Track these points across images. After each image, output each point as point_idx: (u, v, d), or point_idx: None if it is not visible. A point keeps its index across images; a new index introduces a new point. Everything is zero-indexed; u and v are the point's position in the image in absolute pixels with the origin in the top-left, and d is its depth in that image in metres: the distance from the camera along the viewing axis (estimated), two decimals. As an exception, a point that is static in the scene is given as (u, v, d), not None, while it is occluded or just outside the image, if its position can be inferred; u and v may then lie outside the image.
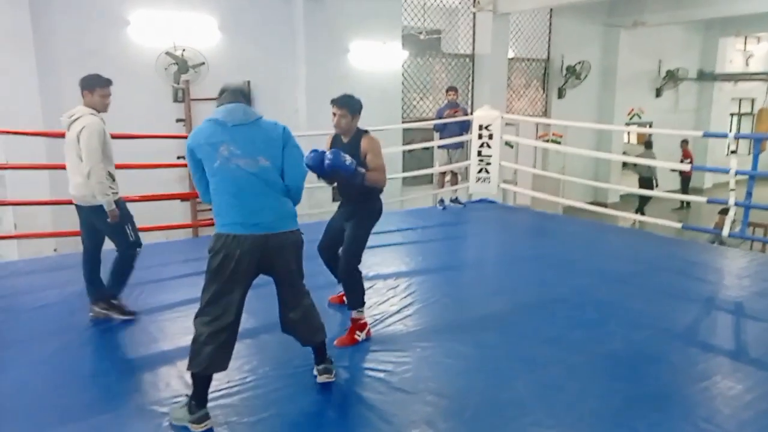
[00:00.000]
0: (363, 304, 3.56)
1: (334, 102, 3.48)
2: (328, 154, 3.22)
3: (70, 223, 6.30)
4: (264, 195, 2.62)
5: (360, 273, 3.57)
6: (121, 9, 7.47)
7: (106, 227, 3.82)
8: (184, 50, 7.80)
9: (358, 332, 3.52)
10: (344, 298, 3.70)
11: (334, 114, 3.48)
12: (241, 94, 2.73)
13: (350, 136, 3.53)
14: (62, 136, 3.84)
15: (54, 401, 2.96)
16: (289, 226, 2.72)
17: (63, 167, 3.91)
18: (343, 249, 3.55)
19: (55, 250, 6.56)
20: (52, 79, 7.04)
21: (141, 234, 4.07)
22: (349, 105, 3.47)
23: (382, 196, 3.68)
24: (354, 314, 3.55)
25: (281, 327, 2.93)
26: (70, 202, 3.97)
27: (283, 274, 2.77)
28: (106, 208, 3.70)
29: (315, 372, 3.05)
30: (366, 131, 3.54)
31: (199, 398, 2.65)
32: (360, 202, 3.57)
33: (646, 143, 13.08)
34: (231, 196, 2.59)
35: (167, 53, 7.71)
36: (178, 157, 7.86)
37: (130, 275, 4.01)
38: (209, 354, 2.59)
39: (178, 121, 8.02)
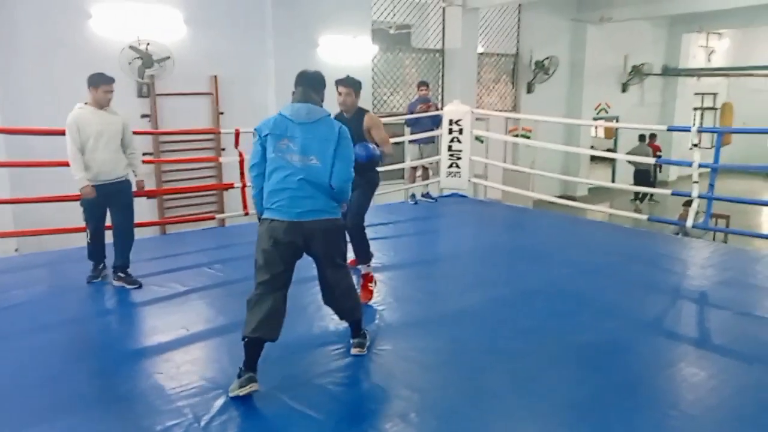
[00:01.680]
0: (370, 258, 4.20)
1: (340, 82, 3.93)
2: (362, 150, 3.69)
3: (31, 222, 6.18)
4: (306, 190, 2.91)
5: (365, 232, 4.14)
6: (83, 0, 7.26)
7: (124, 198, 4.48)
8: (148, 44, 7.61)
9: (370, 284, 4.11)
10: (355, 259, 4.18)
11: (340, 93, 3.95)
12: (313, 90, 3.05)
13: (352, 113, 3.99)
14: (20, 132, 4.16)
15: (22, 402, 2.87)
16: (324, 216, 2.98)
17: (22, 165, 4.10)
18: (350, 213, 3.91)
19: (16, 250, 6.36)
20: (12, 74, 6.81)
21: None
22: (353, 84, 3.95)
23: None
24: (363, 269, 4.14)
25: (323, 300, 3.24)
26: (30, 201, 4.06)
27: (319, 256, 3.06)
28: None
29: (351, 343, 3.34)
30: (366, 110, 4.06)
31: (246, 364, 2.87)
32: (362, 175, 3.82)
33: (641, 136, 13.37)
34: (279, 184, 2.90)
35: (131, 47, 7.52)
36: (144, 154, 7.72)
37: (88, 248, 4.48)
38: (258, 320, 2.85)
39: (143, 116, 7.84)
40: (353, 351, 3.30)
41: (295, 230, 2.91)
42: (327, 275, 3.11)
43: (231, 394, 2.84)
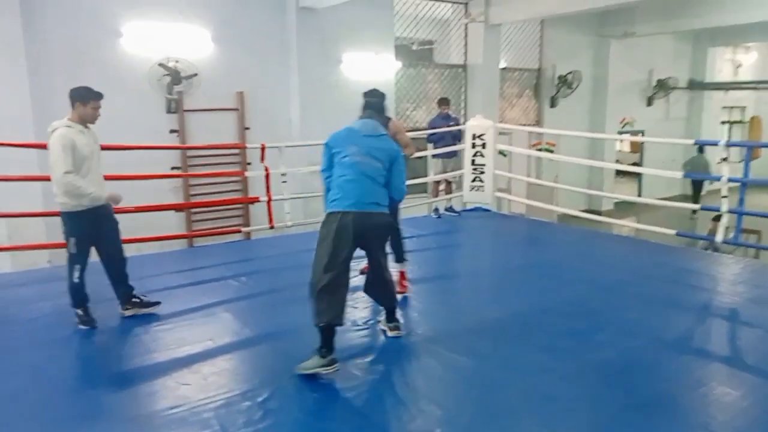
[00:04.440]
0: (403, 258, 4.46)
1: (366, 95, 4.03)
2: None
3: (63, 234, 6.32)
4: (373, 186, 3.37)
5: (401, 233, 4.43)
6: (114, 20, 7.47)
7: (64, 231, 3.95)
8: (177, 61, 7.80)
9: (404, 281, 4.45)
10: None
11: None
12: (377, 111, 3.65)
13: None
14: None
15: (46, 413, 2.93)
16: (385, 210, 3.43)
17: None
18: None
19: (48, 261, 6.50)
20: (45, 90, 7.01)
21: (136, 245, 4.14)
22: (374, 98, 4.07)
23: None
24: (400, 267, 4.43)
25: (363, 288, 3.69)
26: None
27: (373, 247, 3.46)
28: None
29: (385, 327, 3.75)
30: (389, 117, 4.26)
31: (327, 346, 3.18)
32: None
33: (699, 147, 13.27)
34: (350, 182, 3.32)
35: (160, 64, 7.71)
36: (172, 168, 7.88)
37: (73, 288, 3.96)
38: (328, 305, 3.15)
39: (171, 132, 8.01)
40: (390, 333, 3.70)
41: (360, 220, 3.27)
42: (371, 265, 3.51)
43: (308, 372, 3.13)
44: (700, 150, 13.49)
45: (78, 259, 3.93)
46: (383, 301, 3.74)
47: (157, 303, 4.26)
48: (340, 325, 3.24)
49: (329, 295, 3.18)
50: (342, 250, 3.23)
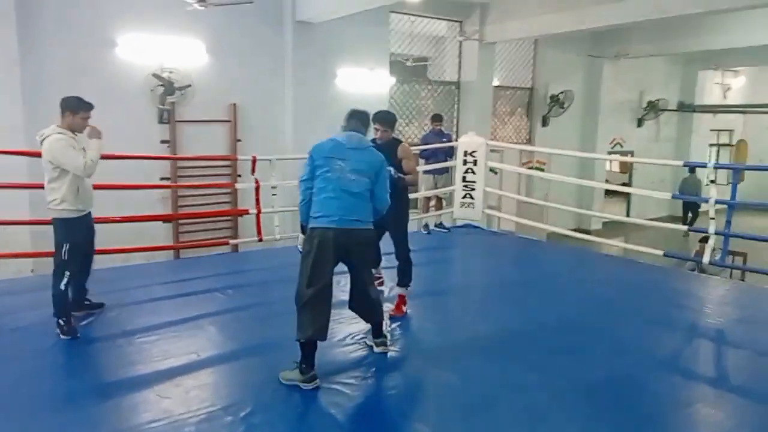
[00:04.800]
0: (408, 283, 4.47)
1: (376, 119, 4.12)
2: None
3: (49, 243, 6.25)
4: (355, 203, 3.32)
5: (410, 258, 4.43)
6: (109, 30, 7.47)
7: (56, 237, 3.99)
8: (171, 72, 7.81)
9: (403, 306, 4.43)
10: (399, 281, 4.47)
11: (377, 129, 4.16)
12: (362, 125, 3.57)
13: (386, 142, 4.20)
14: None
15: (27, 425, 2.87)
16: (368, 226, 3.41)
17: (43, 186, 3.94)
18: (397, 242, 4.35)
19: (32, 270, 6.43)
20: (38, 97, 6.98)
21: (123, 255, 4.16)
22: (388, 121, 4.25)
23: None
24: (402, 291, 4.45)
25: (348, 304, 3.62)
26: (49, 222, 3.99)
27: (355, 263, 3.44)
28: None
29: (371, 343, 3.71)
30: (400, 141, 4.40)
31: (308, 362, 3.20)
32: (397, 195, 4.02)
33: (691, 168, 13.47)
34: (332, 199, 3.28)
35: (154, 75, 7.71)
36: (161, 179, 7.84)
37: (61, 295, 3.95)
38: (309, 321, 3.17)
39: (162, 142, 7.99)
40: (378, 349, 3.67)
41: (343, 236, 3.26)
42: (356, 281, 3.49)
43: (288, 383, 3.18)
44: (692, 171, 13.65)
45: (68, 266, 3.93)
46: (368, 317, 3.70)
47: (101, 305, 4.37)
48: (323, 340, 3.24)
49: (312, 311, 3.19)
50: (324, 266, 3.23)
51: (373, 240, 3.60)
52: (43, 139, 3.87)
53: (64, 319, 3.93)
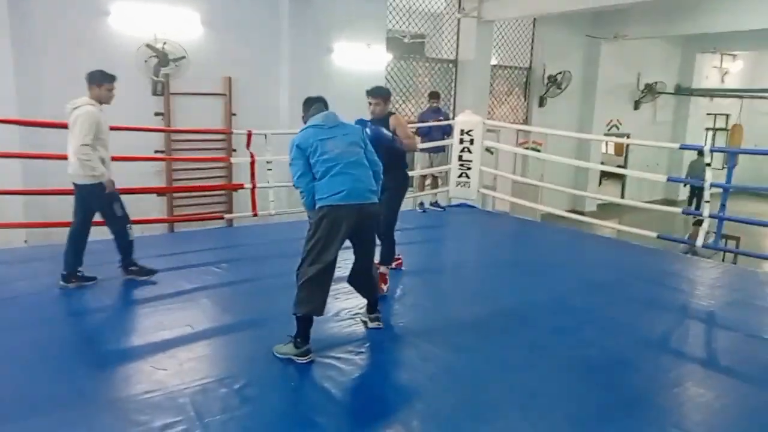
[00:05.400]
0: (391, 262, 4.46)
1: (369, 93, 4.26)
2: (369, 129, 3.96)
3: (41, 214, 6.21)
4: (361, 173, 3.35)
5: (393, 236, 4.40)
6: (101, -1, 7.33)
7: (96, 205, 4.28)
8: (165, 43, 7.67)
9: (383, 285, 4.25)
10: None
11: (370, 103, 4.26)
12: (325, 105, 3.55)
13: (381, 117, 4.26)
14: (37, 124, 4.09)
15: (22, 394, 2.87)
16: (376, 200, 3.42)
17: (36, 156, 4.05)
18: (384, 217, 4.06)
19: (25, 241, 6.39)
20: (29, 67, 6.87)
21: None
22: (381, 94, 4.29)
23: None
24: (383, 269, 4.30)
25: (348, 279, 3.63)
26: (42, 192, 4.03)
27: (365, 239, 3.46)
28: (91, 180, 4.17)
29: (365, 319, 3.73)
30: (392, 112, 4.38)
31: (303, 336, 3.22)
32: (392, 177, 4.08)
33: (699, 152, 13.37)
34: (338, 175, 3.26)
35: (147, 45, 7.58)
36: (156, 151, 7.77)
37: (131, 245, 4.44)
38: (309, 297, 3.18)
39: (156, 114, 7.89)
40: (371, 324, 3.69)
41: (354, 212, 3.27)
42: (360, 256, 3.50)
43: (283, 357, 3.20)
44: (700, 153, 13.56)
45: (127, 218, 4.40)
46: (366, 292, 3.70)
47: (94, 278, 4.41)
48: (319, 315, 3.25)
49: (313, 287, 3.19)
50: (332, 244, 3.22)
51: (380, 214, 3.61)
52: (75, 108, 4.13)
53: (135, 265, 4.47)
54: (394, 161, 4.17)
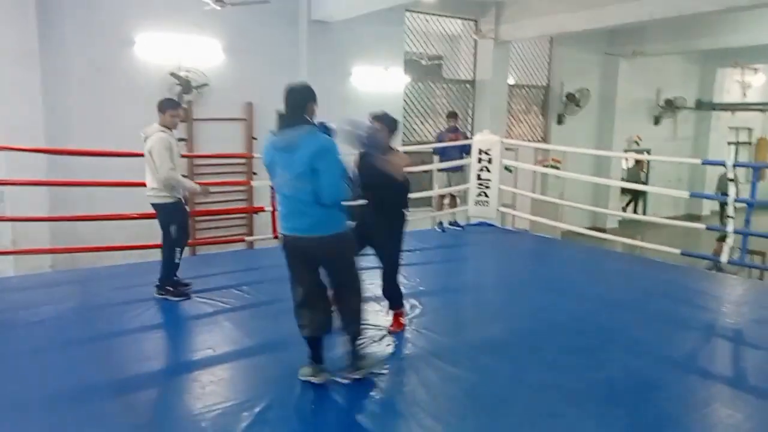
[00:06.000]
0: (401, 304, 4.10)
1: (375, 118, 3.85)
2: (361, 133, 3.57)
3: (67, 240, 6.35)
4: (301, 209, 3.06)
5: (398, 281, 4.04)
6: (127, 29, 7.55)
7: (160, 222, 4.61)
8: (188, 71, 7.87)
9: (401, 318, 4.08)
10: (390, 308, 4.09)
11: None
12: (299, 108, 3.13)
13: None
14: (63, 153, 4.15)
15: (47, 419, 2.92)
16: (322, 232, 3.08)
17: (62, 184, 4.12)
18: (385, 263, 3.88)
19: (51, 266, 6.53)
20: (58, 95, 7.09)
21: (140, 252, 4.33)
22: (385, 121, 3.85)
23: None
24: (396, 311, 4.07)
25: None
26: (67, 219, 4.12)
27: (326, 268, 3.24)
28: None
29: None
30: (394, 149, 3.93)
31: (315, 357, 3.25)
32: (387, 216, 3.79)
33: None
34: (282, 206, 3.19)
35: (171, 74, 7.78)
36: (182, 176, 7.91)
37: (174, 267, 4.67)
38: (304, 321, 3.21)
39: (180, 140, 8.02)
40: (353, 375, 3.29)
41: (298, 244, 3.13)
42: (335, 284, 3.28)
43: (305, 379, 3.22)
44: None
45: (179, 242, 4.62)
46: (343, 323, 3.30)
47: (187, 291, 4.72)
48: (324, 335, 3.26)
49: (301, 311, 3.22)
50: (296, 269, 3.20)
51: (333, 246, 3.13)
52: (147, 137, 4.45)
53: (171, 286, 4.64)
54: (388, 199, 3.76)
